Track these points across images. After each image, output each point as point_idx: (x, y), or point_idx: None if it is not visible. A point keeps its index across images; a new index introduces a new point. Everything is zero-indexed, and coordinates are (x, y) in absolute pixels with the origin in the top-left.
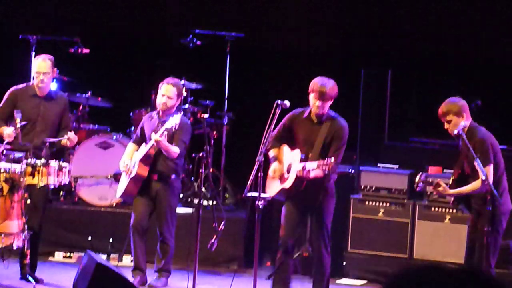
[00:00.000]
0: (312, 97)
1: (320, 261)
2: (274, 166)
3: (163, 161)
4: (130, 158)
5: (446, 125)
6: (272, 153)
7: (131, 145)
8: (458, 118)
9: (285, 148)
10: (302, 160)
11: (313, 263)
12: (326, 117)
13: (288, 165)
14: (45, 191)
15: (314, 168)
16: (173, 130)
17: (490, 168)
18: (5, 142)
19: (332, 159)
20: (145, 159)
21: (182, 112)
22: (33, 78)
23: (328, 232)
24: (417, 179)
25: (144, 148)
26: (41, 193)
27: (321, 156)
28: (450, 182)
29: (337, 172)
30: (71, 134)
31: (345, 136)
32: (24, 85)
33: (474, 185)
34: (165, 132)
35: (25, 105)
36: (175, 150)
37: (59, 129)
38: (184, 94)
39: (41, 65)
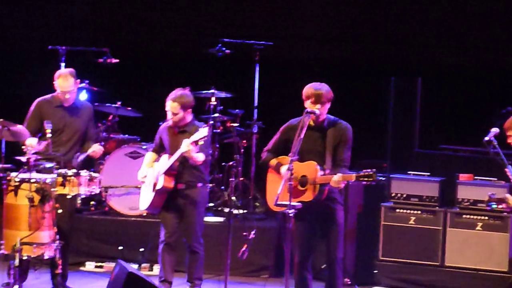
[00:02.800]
0: (309, 103)
1: (333, 274)
2: (287, 173)
3: (188, 170)
4: (149, 168)
5: (508, 139)
6: (274, 161)
7: (150, 154)
8: None
9: (286, 159)
10: (321, 171)
11: (326, 273)
12: (327, 123)
13: (301, 177)
14: (73, 200)
15: (352, 180)
16: (201, 142)
17: None
18: (32, 152)
19: (374, 170)
20: (169, 171)
21: (206, 125)
22: (56, 90)
23: (342, 243)
24: (486, 199)
25: (169, 160)
26: (69, 202)
27: (332, 163)
28: None
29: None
30: (96, 147)
31: (351, 137)
32: (49, 96)
33: None
34: (200, 142)
35: (51, 116)
36: (200, 157)
37: (84, 139)
38: (214, 103)
39: (65, 85)
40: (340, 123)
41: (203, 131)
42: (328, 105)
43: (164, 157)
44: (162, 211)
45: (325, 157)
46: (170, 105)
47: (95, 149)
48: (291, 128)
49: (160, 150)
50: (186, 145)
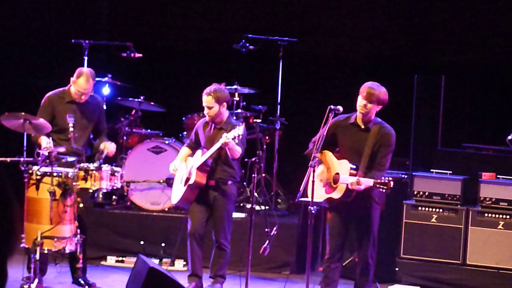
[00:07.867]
0: (359, 98)
1: (365, 270)
2: (321, 169)
3: (220, 167)
4: (182, 162)
5: None
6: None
7: (184, 149)
8: None
9: (329, 154)
10: (352, 171)
11: (356, 270)
12: (373, 123)
13: (335, 174)
14: (91, 194)
15: (368, 185)
16: (236, 140)
17: None
18: (47, 147)
19: (391, 178)
20: (203, 166)
21: (243, 123)
22: (70, 84)
23: (375, 240)
24: None
25: (204, 155)
26: (88, 196)
27: (369, 165)
28: None
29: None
30: (109, 146)
31: (393, 142)
32: (59, 91)
33: None
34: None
35: (61, 111)
36: (238, 149)
37: (95, 132)
38: (237, 98)
39: (85, 86)
40: (384, 127)
41: (240, 129)
42: (377, 107)
43: (199, 152)
44: (192, 203)
45: (362, 157)
46: (205, 99)
47: (109, 149)
48: (338, 125)
49: (194, 146)
50: (225, 138)
